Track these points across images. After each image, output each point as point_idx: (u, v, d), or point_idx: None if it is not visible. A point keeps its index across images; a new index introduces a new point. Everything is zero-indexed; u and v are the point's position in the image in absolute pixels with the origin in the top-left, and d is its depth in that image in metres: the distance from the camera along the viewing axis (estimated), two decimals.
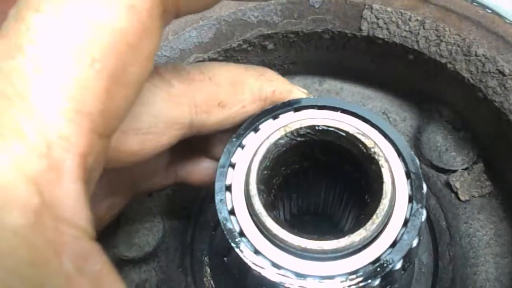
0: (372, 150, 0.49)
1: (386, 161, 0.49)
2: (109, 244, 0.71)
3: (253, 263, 0.46)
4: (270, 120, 0.53)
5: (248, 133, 0.52)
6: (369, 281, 0.46)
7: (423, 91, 0.76)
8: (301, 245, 0.45)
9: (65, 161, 0.33)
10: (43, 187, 0.32)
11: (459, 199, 0.72)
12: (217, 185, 0.49)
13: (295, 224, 0.75)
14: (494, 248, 0.69)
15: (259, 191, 0.47)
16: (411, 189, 0.50)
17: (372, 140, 0.50)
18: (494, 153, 0.71)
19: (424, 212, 0.50)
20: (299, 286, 0.45)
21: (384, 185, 0.47)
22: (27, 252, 0.30)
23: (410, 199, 0.50)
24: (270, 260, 0.46)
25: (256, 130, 0.52)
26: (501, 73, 0.64)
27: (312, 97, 0.56)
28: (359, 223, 0.47)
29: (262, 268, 0.45)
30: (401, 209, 0.49)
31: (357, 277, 0.46)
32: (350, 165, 0.54)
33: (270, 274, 0.45)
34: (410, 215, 0.49)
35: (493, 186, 0.72)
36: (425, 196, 0.50)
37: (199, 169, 0.58)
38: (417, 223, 0.48)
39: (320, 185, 0.65)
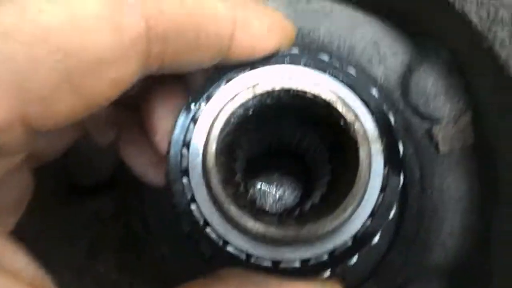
0: (352, 127, 0.42)
1: (366, 139, 0.43)
2: (64, 171, 0.67)
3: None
4: (223, 85, 0.44)
5: (201, 101, 0.44)
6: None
7: (422, 26, 0.67)
8: (259, 230, 0.41)
9: None
10: None
11: (438, 150, 0.68)
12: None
13: (263, 160, 0.71)
14: (464, 204, 0.67)
15: (217, 166, 0.41)
16: (386, 155, 0.45)
17: (353, 113, 0.43)
18: (484, 105, 0.65)
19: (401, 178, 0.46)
20: None
21: (360, 167, 0.42)
22: None
23: (385, 165, 0.45)
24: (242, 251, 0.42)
25: (208, 98, 0.44)
26: None
27: None
28: (327, 206, 0.42)
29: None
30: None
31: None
32: (325, 130, 0.47)
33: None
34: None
35: (475, 139, 0.67)
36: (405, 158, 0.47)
37: (141, 159, 0.51)
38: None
39: (291, 131, 0.59)
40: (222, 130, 0.42)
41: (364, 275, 0.68)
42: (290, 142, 0.63)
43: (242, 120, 0.44)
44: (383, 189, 0.45)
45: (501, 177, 0.65)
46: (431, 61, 0.68)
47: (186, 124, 0.44)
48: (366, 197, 0.44)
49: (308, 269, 0.43)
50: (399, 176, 0.46)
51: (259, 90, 0.43)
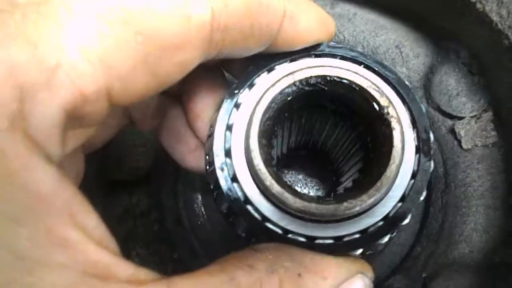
0: (386, 110, 0.45)
1: (399, 123, 0.45)
2: (101, 166, 0.70)
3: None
4: (265, 74, 0.48)
5: (244, 89, 0.47)
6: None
7: (443, 28, 0.70)
8: (299, 207, 0.43)
9: (61, 89, 0.32)
10: (27, 98, 0.31)
11: (461, 147, 0.70)
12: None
13: (291, 157, 0.73)
14: (488, 200, 0.69)
15: (261, 145, 0.44)
16: (418, 140, 0.48)
17: (386, 98, 0.45)
18: (505, 102, 0.68)
19: (432, 164, 0.48)
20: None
21: (394, 149, 0.44)
22: None
23: (417, 151, 0.48)
24: (280, 227, 0.45)
25: (251, 85, 0.48)
26: None
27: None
28: (362, 187, 0.45)
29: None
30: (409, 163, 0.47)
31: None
32: (359, 118, 0.50)
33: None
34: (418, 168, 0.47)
35: (498, 137, 0.69)
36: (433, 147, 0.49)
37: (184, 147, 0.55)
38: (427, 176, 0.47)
39: (323, 125, 0.62)
40: (264, 113, 0.45)
41: (391, 269, 0.70)
42: (319, 137, 0.66)
43: (282, 106, 0.47)
44: (414, 174, 0.48)
45: None
46: (452, 61, 0.71)
47: (230, 109, 0.47)
48: (398, 181, 0.46)
49: (341, 246, 0.45)
50: (430, 161, 0.48)
51: (298, 77, 0.46)
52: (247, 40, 0.42)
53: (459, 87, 0.70)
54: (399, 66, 0.74)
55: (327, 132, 0.64)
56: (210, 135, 0.47)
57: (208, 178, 0.48)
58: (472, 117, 0.70)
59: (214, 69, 0.52)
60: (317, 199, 0.44)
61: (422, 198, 0.49)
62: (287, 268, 0.41)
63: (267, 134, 0.47)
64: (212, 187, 0.48)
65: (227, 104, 0.47)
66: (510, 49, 0.61)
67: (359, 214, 0.44)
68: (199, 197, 0.74)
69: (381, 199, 0.44)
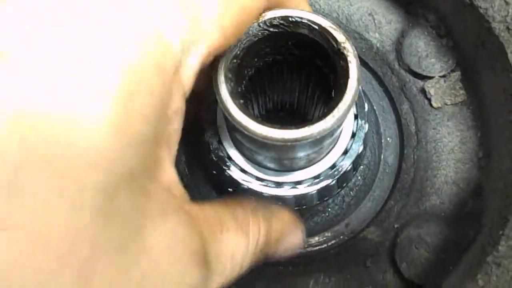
0: (342, 45, 0.49)
1: (355, 57, 0.49)
2: None
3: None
4: None
5: None
6: (329, 181, 0.61)
7: None
8: (262, 133, 0.47)
9: (202, 45, 0.39)
10: (185, 51, 0.38)
11: (431, 105, 0.73)
12: None
13: (269, 119, 0.77)
14: (457, 154, 0.72)
15: (227, 79, 0.48)
16: (356, 109, 0.62)
17: (343, 35, 0.49)
18: (472, 62, 0.71)
19: (367, 126, 0.61)
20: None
21: (349, 80, 0.48)
22: (162, 92, 0.36)
23: (356, 117, 0.62)
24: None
25: None
26: None
27: None
28: (321, 116, 0.48)
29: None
30: (349, 125, 0.61)
31: (320, 180, 0.60)
32: (321, 59, 0.54)
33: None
34: (357, 129, 0.60)
35: (466, 95, 0.73)
36: (367, 113, 0.62)
37: None
38: (362, 135, 0.61)
39: (295, 81, 0.66)
40: (231, 50, 0.49)
41: (366, 222, 0.73)
42: (294, 96, 0.70)
43: (249, 46, 0.51)
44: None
45: (492, 131, 0.70)
46: (422, 25, 0.75)
47: None
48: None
49: None
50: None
51: (263, 18, 0.50)
52: None
53: (428, 49, 0.74)
54: (372, 32, 0.78)
55: (299, 89, 0.67)
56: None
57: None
58: (441, 76, 0.73)
59: None
60: (280, 126, 0.48)
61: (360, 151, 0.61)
62: (263, 212, 0.50)
63: (234, 71, 0.51)
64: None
65: None
66: (471, 5, 0.65)
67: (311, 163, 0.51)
68: (183, 157, 0.77)
69: (337, 125, 0.48)
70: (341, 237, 0.73)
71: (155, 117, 0.35)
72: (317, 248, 0.72)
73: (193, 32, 0.38)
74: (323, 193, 0.63)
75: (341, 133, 0.61)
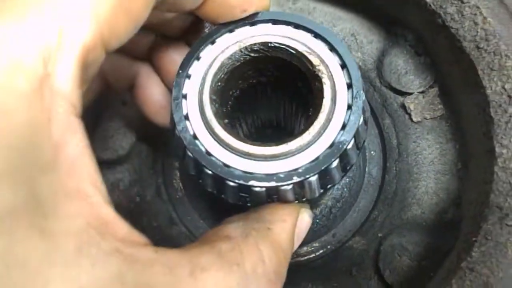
0: (317, 68, 0.53)
1: (330, 78, 0.53)
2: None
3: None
4: (227, 34, 0.56)
5: (205, 46, 0.55)
6: (330, 161, 0.50)
7: (390, 15, 0.78)
8: (244, 149, 0.51)
9: (72, 44, 0.37)
10: (48, 60, 0.36)
11: (411, 120, 0.77)
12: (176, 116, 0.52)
13: (258, 137, 0.81)
14: (437, 166, 0.76)
15: (211, 101, 0.52)
16: (351, 97, 0.53)
17: (318, 58, 0.53)
18: (448, 79, 0.75)
19: (363, 94, 0.53)
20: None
21: (324, 100, 0.52)
22: (27, 113, 0.34)
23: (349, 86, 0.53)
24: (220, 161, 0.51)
25: (213, 42, 0.55)
26: (460, 0, 0.66)
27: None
28: (298, 134, 0.52)
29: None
30: (343, 97, 0.53)
31: (317, 163, 0.50)
32: (300, 81, 0.58)
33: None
34: (352, 98, 0.52)
35: (444, 110, 0.77)
36: (363, 84, 0.53)
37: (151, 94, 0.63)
38: (360, 103, 0.52)
39: (279, 100, 0.70)
40: (215, 74, 0.53)
41: (352, 233, 0.77)
42: (279, 115, 0.74)
43: (233, 70, 0.55)
44: (344, 125, 0.52)
45: (469, 143, 0.74)
46: (401, 45, 0.79)
47: (182, 82, 0.54)
48: (327, 131, 0.52)
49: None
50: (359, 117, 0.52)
51: (243, 44, 0.54)
52: None
53: (407, 67, 0.78)
54: (354, 51, 0.82)
55: (284, 107, 0.72)
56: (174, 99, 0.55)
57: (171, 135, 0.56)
58: (420, 92, 0.77)
59: (177, 38, 0.61)
60: (260, 143, 0.51)
61: (361, 122, 0.52)
62: (257, 228, 0.46)
63: (219, 94, 0.55)
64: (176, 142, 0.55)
65: (179, 78, 0.53)
66: (443, 26, 0.69)
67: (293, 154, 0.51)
68: (178, 173, 0.81)
69: (312, 142, 0.51)
70: (328, 246, 0.76)
71: (27, 145, 0.33)
72: (305, 258, 0.76)
73: (52, 35, 0.36)
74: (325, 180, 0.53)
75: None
